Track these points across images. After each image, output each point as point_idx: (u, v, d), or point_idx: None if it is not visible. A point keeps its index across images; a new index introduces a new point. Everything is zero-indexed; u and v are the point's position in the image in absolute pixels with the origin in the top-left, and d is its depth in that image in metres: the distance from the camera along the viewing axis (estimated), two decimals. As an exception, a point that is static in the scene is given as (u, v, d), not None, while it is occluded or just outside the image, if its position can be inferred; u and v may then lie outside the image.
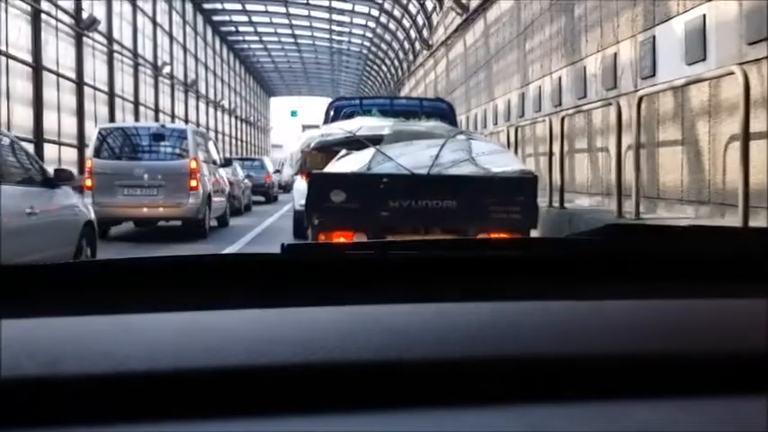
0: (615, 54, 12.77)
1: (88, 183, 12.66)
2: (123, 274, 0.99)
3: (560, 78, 15.97)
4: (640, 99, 9.74)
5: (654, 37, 11.28)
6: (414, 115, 10.67)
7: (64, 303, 0.88)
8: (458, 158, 8.53)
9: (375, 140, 8.92)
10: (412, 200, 7.93)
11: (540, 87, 17.71)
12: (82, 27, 23.08)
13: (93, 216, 8.30)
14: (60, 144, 21.82)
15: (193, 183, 12.93)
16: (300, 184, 10.31)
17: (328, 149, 9.23)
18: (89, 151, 13.27)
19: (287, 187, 24.22)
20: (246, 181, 21.75)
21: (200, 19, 43.00)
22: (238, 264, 1.04)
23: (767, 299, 0.89)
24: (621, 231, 1.38)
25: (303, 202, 8.29)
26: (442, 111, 11.60)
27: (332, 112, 11.54)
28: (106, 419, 0.67)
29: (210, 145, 15.59)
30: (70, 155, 22.52)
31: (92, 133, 22.88)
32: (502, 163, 8.59)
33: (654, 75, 11.22)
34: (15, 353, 0.72)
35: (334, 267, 1.03)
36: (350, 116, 10.63)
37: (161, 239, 12.85)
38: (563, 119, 12.78)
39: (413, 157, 8.45)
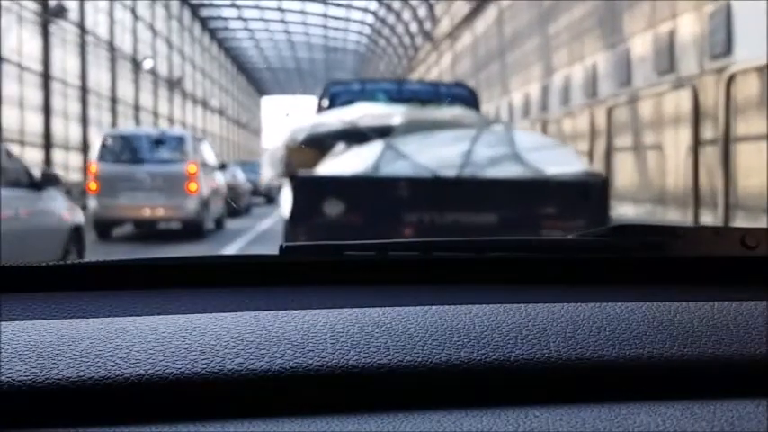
0: (671, 31, 11.23)
1: (93, 186, 13.62)
2: (120, 276, 1.01)
3: (595, 64, 14.45)
4: (731, 77, 7.66)
5: (728, 6, 9.68)
6: (429, 103, 8.71)
7: (58, 304, 0.90)
8: (497, 155, 6.73)
9: (382, 132, 7.16)
10: (436, 212, 6.35)
11: (567, 77, 16.24)
12: (49, 14, 21.67)
13: (82, 220, 8.14)
14: (23, 144, 20.39)
15: (192, 186, 13.55)
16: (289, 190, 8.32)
17: (321, 144, 7.55)
18: (93, 155, 14.20)
19: (269, 195, 23.13)
20: (248, 184, 22.36)
21: (186, 13, 41.46)
22: (236, 265, 1.07)
23: None
24: (628, 232, 1.22)
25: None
26: (464, 98, 9.50)
27: (326, 100, 9.30)
28: (102, 424, 0.68)
29: (207, 149, 16.16)
30: (35, 156, 20.99)
31: (60, 133, 21.90)
32: (558, 161, 6.82)
33: (729, 53, 9.63)
34: (8, 356, 0.73)
35: (333, 269, 1.06)
36: (349, 103, 8.45)
37: (160, 240, 13.48)
38: (609, 110, 10.77)
39: (435, 154, 6.68)
